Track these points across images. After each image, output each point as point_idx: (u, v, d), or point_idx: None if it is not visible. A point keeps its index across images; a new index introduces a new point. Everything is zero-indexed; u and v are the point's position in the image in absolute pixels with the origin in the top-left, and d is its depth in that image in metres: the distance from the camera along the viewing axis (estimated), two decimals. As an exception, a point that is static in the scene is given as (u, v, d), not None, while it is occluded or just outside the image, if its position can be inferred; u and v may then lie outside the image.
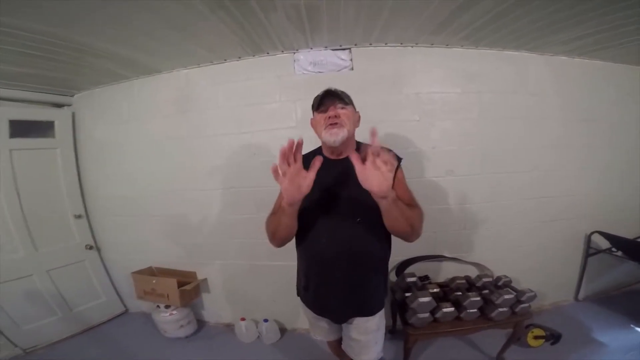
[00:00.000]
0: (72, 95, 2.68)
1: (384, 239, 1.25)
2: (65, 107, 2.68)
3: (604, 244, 2.54)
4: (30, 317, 2.40)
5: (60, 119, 2.63)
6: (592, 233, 2.57)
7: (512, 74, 2.29)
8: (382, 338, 1.40)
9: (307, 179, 0.96)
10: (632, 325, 2.33)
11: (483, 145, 2.30)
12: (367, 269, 1.25)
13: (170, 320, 2.45)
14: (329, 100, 1.18)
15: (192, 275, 2.65)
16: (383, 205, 0.98)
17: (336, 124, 1.15)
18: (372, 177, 0.90)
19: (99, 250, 2.86)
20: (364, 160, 0.91)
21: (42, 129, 2.55)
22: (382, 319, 1.36)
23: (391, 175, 0.89)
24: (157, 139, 2.51)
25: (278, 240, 1.18)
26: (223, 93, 2.34)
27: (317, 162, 0.94)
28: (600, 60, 2.41)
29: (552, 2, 1.57)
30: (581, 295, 2.72)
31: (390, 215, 1.01)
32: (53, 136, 2.60)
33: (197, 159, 2.45)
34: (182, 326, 2.49)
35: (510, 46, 2.20)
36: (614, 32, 1.90)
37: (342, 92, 1.21)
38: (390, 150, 1.29)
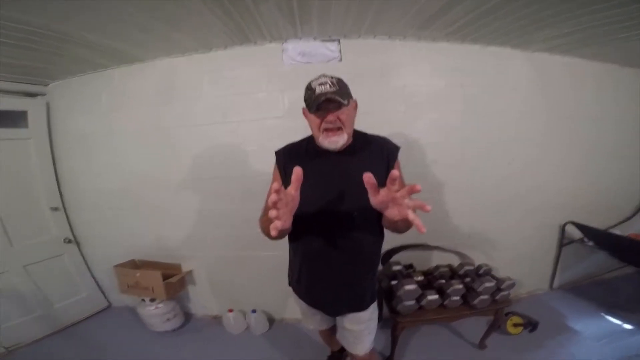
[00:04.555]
0: (46, 85, 2.54)
1: (379, 233, 1.24)
2: (39, 97, 2.54)
3: (577, 234, 2.65)
4: (9, 315, 2.32)
5: (33, 108, 2.49)
6: (566, 224, 2.67)
7: (495, 69, 2.34)
8: (375, 328, 1.43)
9: (295, 199, 0.90)
10: (602, 314, 2.46)
11: (465, 138, 2.36)
12: (362, 265, 1.25)
13: (156, 313, 2.42)
14: (326, 105, 1.08)
15: (176, 268, 2.61)
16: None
17: (337, 128, 1.11)
18: (387, 206, 0.87)
19: (78, 243, 2.77)
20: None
21: (14, 119, 2.41)
22: (374, 309, 1.38)
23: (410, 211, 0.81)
24: (138, 129, 2.44)
25: (274, 239, 1.15)
26: (208, 82, 2.29)
27: (297, 174, 0.86)
28: (580, 58, 2.48)
29: (532, 3, 1.60)
30: (555, 284, 2.84)
31: (394, 222, 0.98)
32: (26, 126, 2.47)
33: (181, 149, 2.40)
34: (168, 319, 2.47)
35: (495, 42, 2.24)
36: (594, 30, 1.95)
37: (339, 86, 1.09)
38: (387, 139, 1.28)
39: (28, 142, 2.49)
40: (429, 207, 0.73)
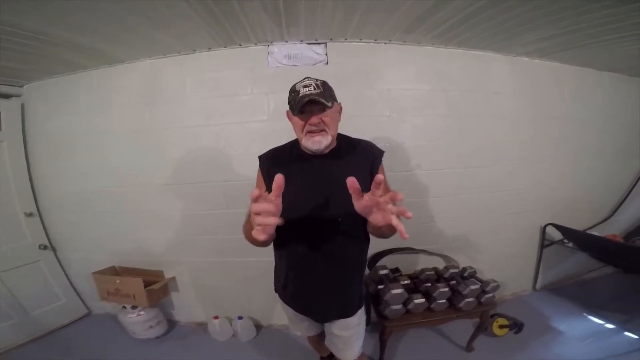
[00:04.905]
0: (21, 86, 2.44)
1: (364, 238, 1.23)
2: (14, 98, 2.44)
3: (558, 236, 2.71)
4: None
5: (7, 110, 2.39)
6: (547, 225, 2.72)
7: (478, 73, 2.38)
8: (363, 333, 1.41)
9: (277, 205, 0.85)
10: (584, 314, 2.52)
11: (449, 141, 2.38)
12: (348, 271, 1.24)
13: (138, 321, 2.35)
14: (310, 107, 1.07)
15: (159, 274, 2.54)
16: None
17: (321, 130, 1.09)
18: (371, 211, 0.84)
19: (54, 250, 2.66)
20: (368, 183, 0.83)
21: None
22: (362, 314, 1.37)
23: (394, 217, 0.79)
24: (119, 131, 2.36)
25: (258, 246, 1.10)
26: (191, 84, 2.24)
27: (278, 182, 0.81)
28: (558, 62, 2.55)
29: (519, 5, 1.62)
30: (538, 285, 2.90)
31: (378, 228, 0.94)
32: (-1, 129, 2.37)
33: (162, 152, 2.33)
34: (151, 327, 2.40)
35: (478, 46, 2.28)
36: (580, 32, 1.98)
37: (324, 89, 1.09)
38: (372, 143, 1.27)
39: (1, 145, 2.38)
40: (409, 214, 0.73)
